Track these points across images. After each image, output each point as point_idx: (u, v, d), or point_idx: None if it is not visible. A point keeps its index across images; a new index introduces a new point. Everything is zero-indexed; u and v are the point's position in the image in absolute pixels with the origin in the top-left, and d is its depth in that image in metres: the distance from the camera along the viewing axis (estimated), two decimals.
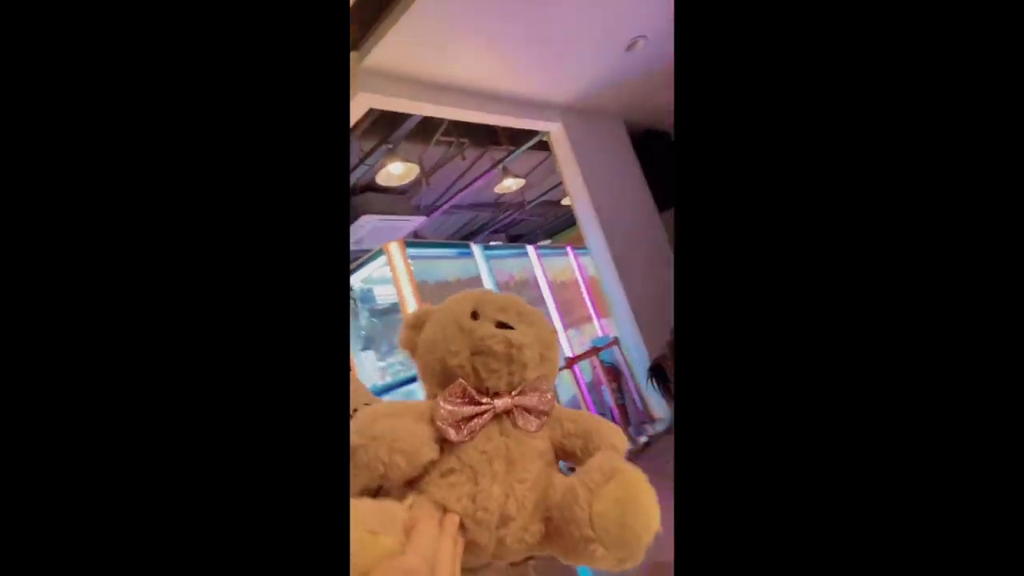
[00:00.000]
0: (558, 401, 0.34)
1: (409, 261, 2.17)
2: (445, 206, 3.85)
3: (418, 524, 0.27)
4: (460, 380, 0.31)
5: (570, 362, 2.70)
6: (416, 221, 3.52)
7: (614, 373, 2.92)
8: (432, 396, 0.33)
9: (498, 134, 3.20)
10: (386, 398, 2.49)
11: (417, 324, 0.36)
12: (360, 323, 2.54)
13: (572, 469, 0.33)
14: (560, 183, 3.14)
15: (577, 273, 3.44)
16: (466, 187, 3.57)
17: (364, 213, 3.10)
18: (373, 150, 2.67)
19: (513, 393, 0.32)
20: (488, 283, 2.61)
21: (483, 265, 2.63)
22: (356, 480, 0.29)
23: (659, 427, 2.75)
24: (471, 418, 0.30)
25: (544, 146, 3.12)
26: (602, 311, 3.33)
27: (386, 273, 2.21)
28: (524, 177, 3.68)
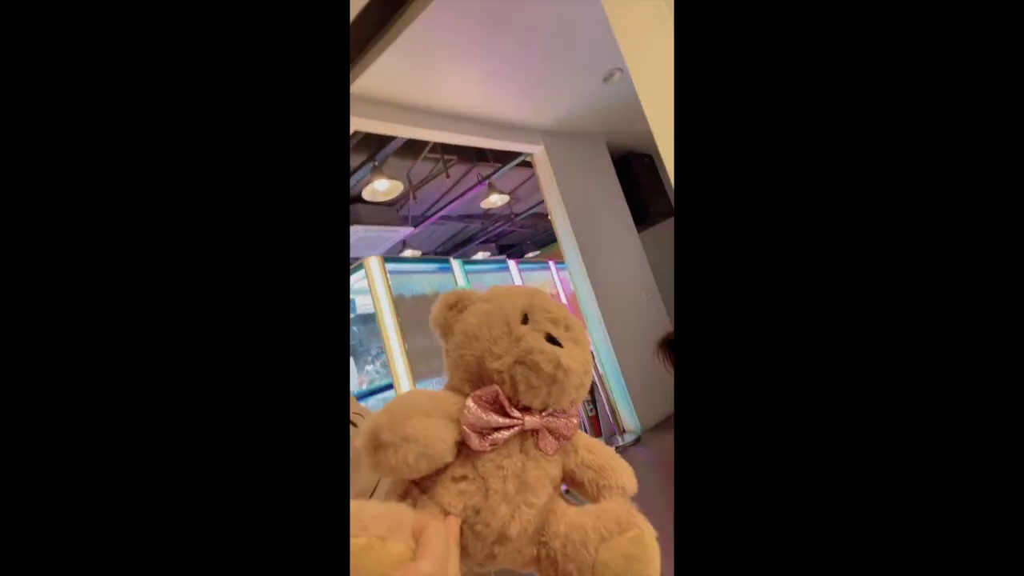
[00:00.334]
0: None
1: (388, 275, 2.29)
2: (434, 217, 3.98)
3: (428, 529, 0.26)
4: (496, 387, 0.30)
5: None
6: (404, 232, 3.65)
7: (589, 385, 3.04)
8: (454, 387, 0.32)
9: (484, 152, 3.34)
10: (363, 403, 2.58)
11: (457, 306, 0.34)
12: None
13: (568, 491, 0.34)
14: None
15: (559, 287, 3.56)
16: (452, 201, 3.70)
17: (352, 223, 3.22)
18: (360, 167, 2.80)
19: (544, 413, 0.30)
20: None
21: (462, 279, 2.75)
22: (376, 475, 0.29)
23: (628, 438, 2.87)
24: (496, 429, 0.29)
25: (530, 163, 3.26)
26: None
27: (366, 285, 2.33)
28: (511, 192, 3.82)
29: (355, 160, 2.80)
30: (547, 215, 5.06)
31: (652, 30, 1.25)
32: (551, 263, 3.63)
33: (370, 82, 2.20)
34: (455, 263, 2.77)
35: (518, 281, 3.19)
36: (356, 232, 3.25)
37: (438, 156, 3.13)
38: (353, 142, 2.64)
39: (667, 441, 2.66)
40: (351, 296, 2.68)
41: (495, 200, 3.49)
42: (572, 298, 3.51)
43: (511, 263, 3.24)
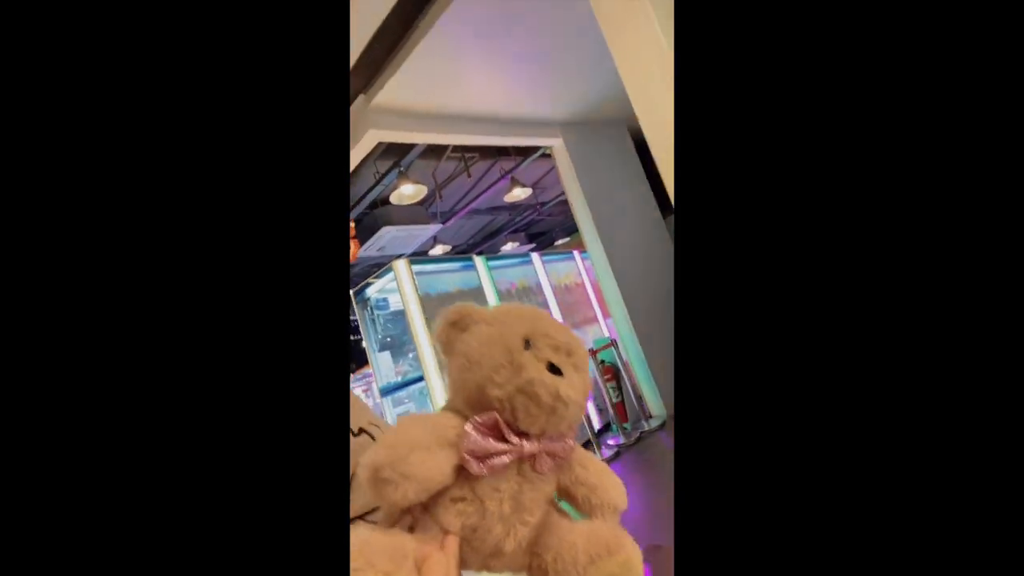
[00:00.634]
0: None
1: (415, 276, 2.47)
2: (462, 212, 4.12)
3: (430, 560, 0.27)
4: (495, 414, 0.31)
5: None
6: (433, 228, 3.82)
7: (613, 372, 3.13)
8: (455, 409, 0.33)
9: (506, 147, 3.43)
10: (400, 394, 2.83)
11: (459, 323, 0.34)
12: (378, 328, 2.88)
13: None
14: None
15: (584, 276, 3.62)
16: (477, 197, 3.82)
17: (384, 224, 3.42)
18: (388, 172, 2.97)
19: (542, 438, 0.32)
20: (490, 292, 2.87)
21: (485, 276, 2.89)
22: (374, 505, 0.28)
23: (654, 423, 2.94)
24: (495, 454, 0.30)
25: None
26: (607, 312, 3.52)
27: (396, 286, 2.52)
28: (536, 183, 3.88)
29: (382, 167, 2.97)
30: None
31: (646, 46, 1.30)
32: (576, 252, 3.69)
33: (389, 95, 2.34)
34: (478, 260, 2.90)
35: (542, 273, 3.29)
36: (388, 232, 3.45)
37: (460, 155, 3.25)
38: (381, 147, 2.81)
39: None
40: (385, 296, 2.89)
41: (518, 193, 3.58)
42: (597, 286, 3.57)
43: (534, 256, 3.33)
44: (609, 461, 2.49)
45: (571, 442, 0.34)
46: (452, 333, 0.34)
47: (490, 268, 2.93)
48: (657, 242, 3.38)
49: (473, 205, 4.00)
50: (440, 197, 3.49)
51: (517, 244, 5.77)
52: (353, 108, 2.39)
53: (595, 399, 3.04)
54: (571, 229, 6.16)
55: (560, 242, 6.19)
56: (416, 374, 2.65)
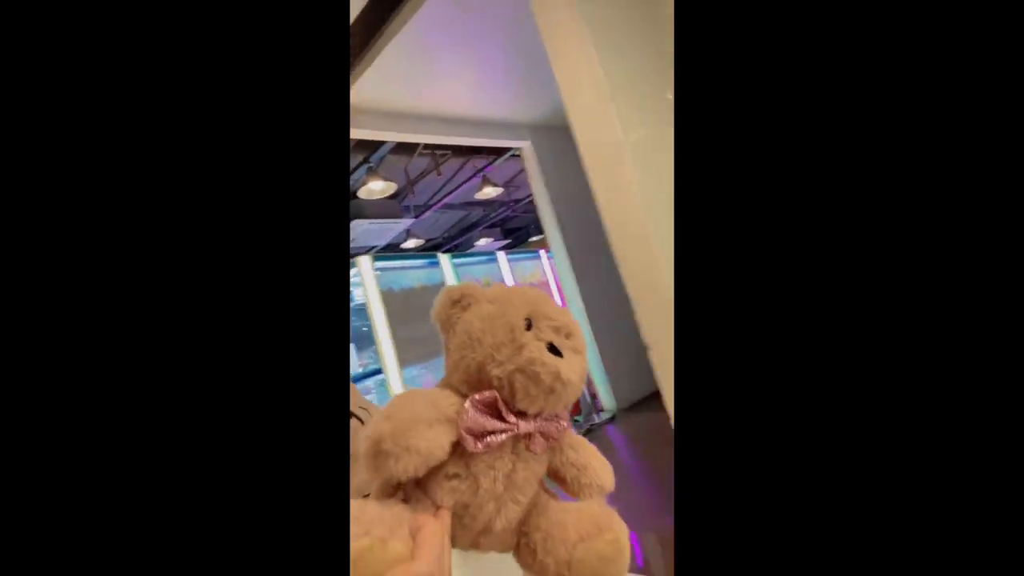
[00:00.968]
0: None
1: (379, 272, 2.55)
2: (437, 205, 4.19)
3: (425, 528, 0.27)
4: (494, 392, 0.31)
5: None
6: (406, 222, 3.88)
7: None
8: (453, 387, 0.33)
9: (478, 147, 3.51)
10: (366, 383, 2.92)
11: (461, 302, 0.34)
12: None
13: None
14: None
15: (549, 274, 3.74)
16: (449, 194, 3.90)
17: (356, 217, 3.48)
18: (357, 167, 3.03)
19: (538, 418, 0.32)
20: None
21: (450, 272, 2.99)
22: (374, 481, 0.30)
23: (604, 416, 3.11)
24: (491, 432, 0.30)
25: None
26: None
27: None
28: (509, 181, 3.97)
29: (352, 161, 3.02)
30: None
31: (586, 80, 1.41)
32: (542, 251, 3.80)
33: (359, 94, 2.40)
34: (443, 258, 3.00)
35: (507, 271, 3.40)
36: (360, 225, 3.50)
37: (432, 152, 3.32)
38: (351, 143, 2.86)
39: (639, 421, 2.88)
40: (351, 290, 2.97)
41: (489, 192, 3.67)
42: (560, 284, 3.70)
43: (500, 255, 3.43)
44: None
45: (564, 423, 0.34)
46: (453, 312, 0.34)
47: (455, 265, 3.03)
48: None
49: (446, 201, 4.08)
50: (413, 192, 3.56)
51: (491, 240, 5.86)
52: None
53: None
54: None
55: (534, 239, 6.30)
56: (376, 366, 2.75)
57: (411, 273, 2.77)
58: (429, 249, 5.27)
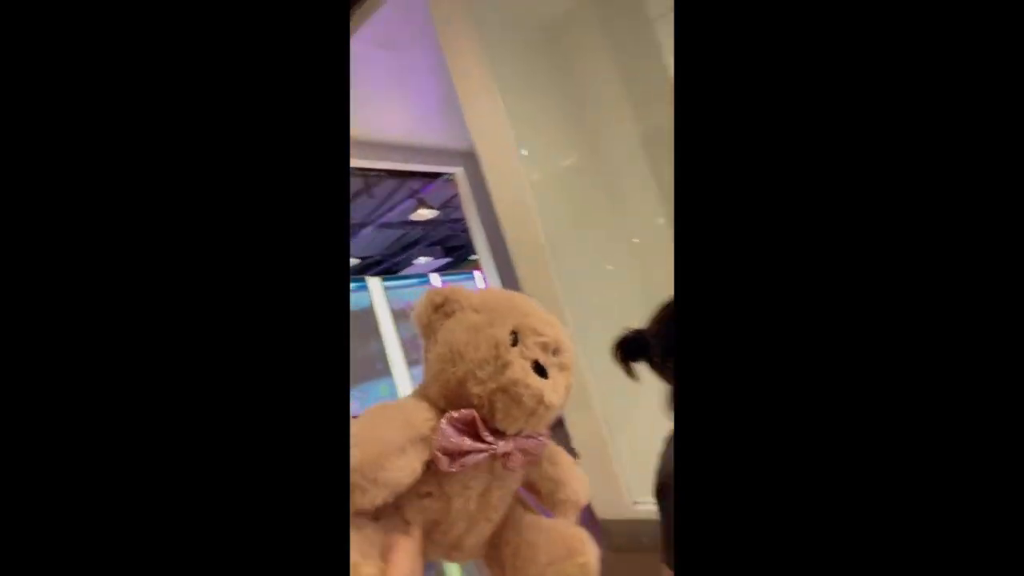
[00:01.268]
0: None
1: None
2: (375, 224, 4.16)
3: (396, 550, 0.27)
4: (473, 412, 0.29)
5: None
6: None
7: None
8: (429, 399, 0.31)
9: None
10: None
11: (444, 308, 0.33)
12: None
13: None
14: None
15: None
16: (383, 215, 3.90)
17: None
18: None
19: (517, 436, 0.31)
20: (383, 312, 2.96)
21: (381, 296, 2.98)
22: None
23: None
24: (468, 452, 0.29)
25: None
26: None
27: None
28: (447, 201, 4.03)
29: None
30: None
31: (493, 126, 1.51)
32: (476, 272, 3.86)
33: None
34: (372, 281, 2.98)
35: None
36: None
37: (363, 175, 3.33)
38: None
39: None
40: None
41: (425, 214, 3.71)
42: None
43: (433, 275, 3.46)
44: None
45: (545, 440, 0.33)
46: (436, 317, 0.33)
47: (386, 289, 3.03)
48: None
49: (381, 221, 4.06)
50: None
51: (432, 258, 5.86)
52: None
53: None
54: None
55: (474, 257, 6.34)
56: None
57: None
58: (366, 267, 5.19)
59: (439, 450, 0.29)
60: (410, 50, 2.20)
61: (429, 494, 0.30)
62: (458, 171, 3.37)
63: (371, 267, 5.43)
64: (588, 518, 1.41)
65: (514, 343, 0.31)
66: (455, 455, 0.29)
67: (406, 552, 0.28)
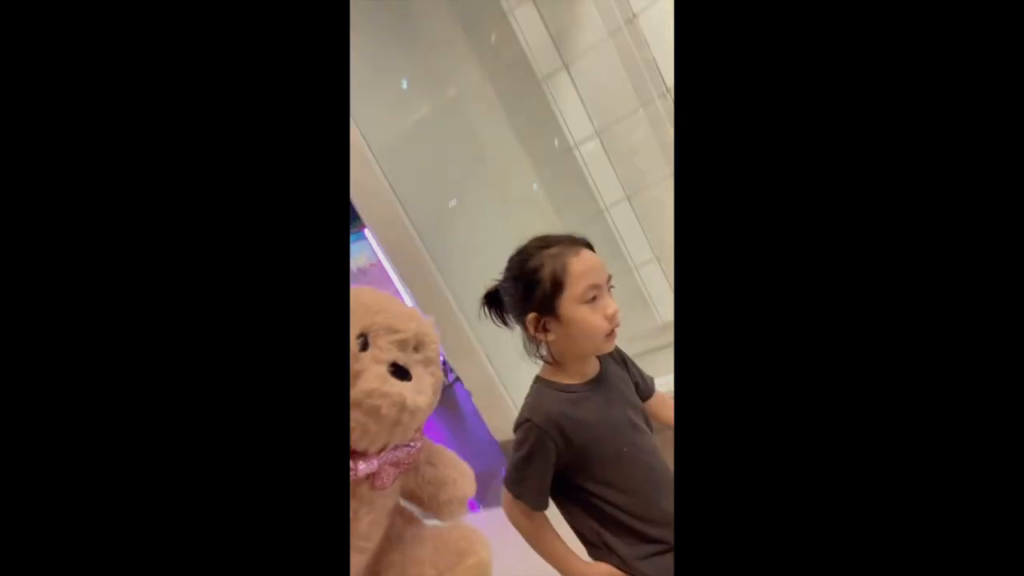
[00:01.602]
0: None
1: None
2: None
3: None
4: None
5: None
6: None
7: None
8: None
9: None
10: None
11: None
12: None
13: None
14: None
15: (381, 256, 3.55)
16: None
17: None
18: None
19: (383, 451, 0.29)
20: None
21: None
22: None
23: (451, 376, 3.31)
24: None
25: None
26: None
27: None
28: None
29: None
30: None
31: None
32: (365, 231, 3.57)
33: None
34: None
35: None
36: None
37: None
38: None
39: None
40: None
41: None
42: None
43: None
44: None
45: (418, 445, 0.31)
46: None
47: None
48: None
49: None
50: None
51: None
52: None
53: None
54: None
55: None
56: None
57: None
58: None
59: None
60: None
61: None
62: None
63: None
64: (488, 439, 1.58)
65: (363, 347, 0.29)
66: None
67: None
